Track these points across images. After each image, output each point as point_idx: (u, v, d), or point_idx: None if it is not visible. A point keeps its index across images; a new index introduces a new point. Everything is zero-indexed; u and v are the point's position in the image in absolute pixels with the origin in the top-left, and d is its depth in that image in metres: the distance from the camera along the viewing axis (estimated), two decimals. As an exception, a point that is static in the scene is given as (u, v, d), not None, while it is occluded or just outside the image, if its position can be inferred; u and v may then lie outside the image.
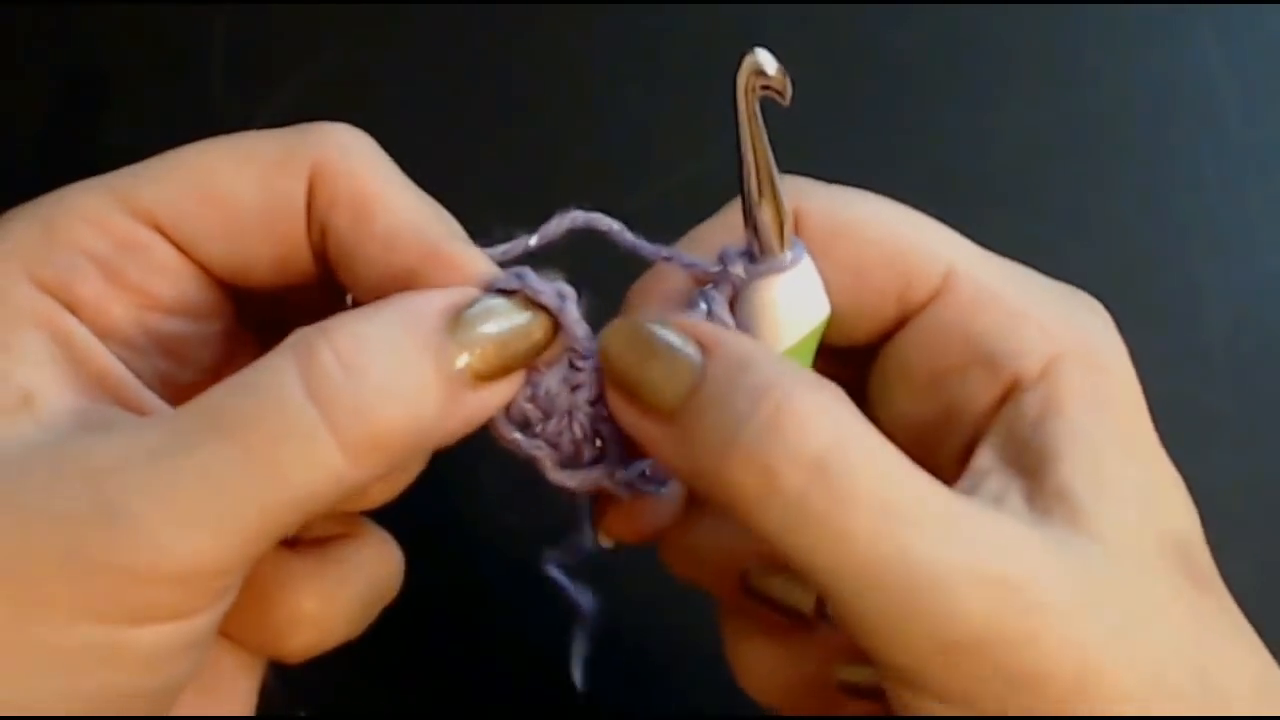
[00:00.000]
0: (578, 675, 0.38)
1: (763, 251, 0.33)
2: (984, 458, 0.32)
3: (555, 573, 0.38)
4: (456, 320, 0.31)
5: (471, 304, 0.32)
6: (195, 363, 0.35)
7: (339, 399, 0.29)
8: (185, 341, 0.35)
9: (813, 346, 0.35)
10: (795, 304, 0.34)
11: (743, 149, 0.32)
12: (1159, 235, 0.53)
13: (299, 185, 0.34)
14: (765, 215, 0.33)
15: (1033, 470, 0.31)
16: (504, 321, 0.32)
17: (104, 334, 0.33)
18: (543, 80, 0.56)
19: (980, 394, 0.34)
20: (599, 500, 0.36)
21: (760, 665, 0.36)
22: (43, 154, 0.54)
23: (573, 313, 0.33)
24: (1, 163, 0.54)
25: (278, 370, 0.29)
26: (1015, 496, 0.31)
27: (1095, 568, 0.30)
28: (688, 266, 0.35)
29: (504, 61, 0.56)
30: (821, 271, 0.34)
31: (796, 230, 0.34)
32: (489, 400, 0.32)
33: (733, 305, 0.34)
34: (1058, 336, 0.33)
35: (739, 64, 0.31)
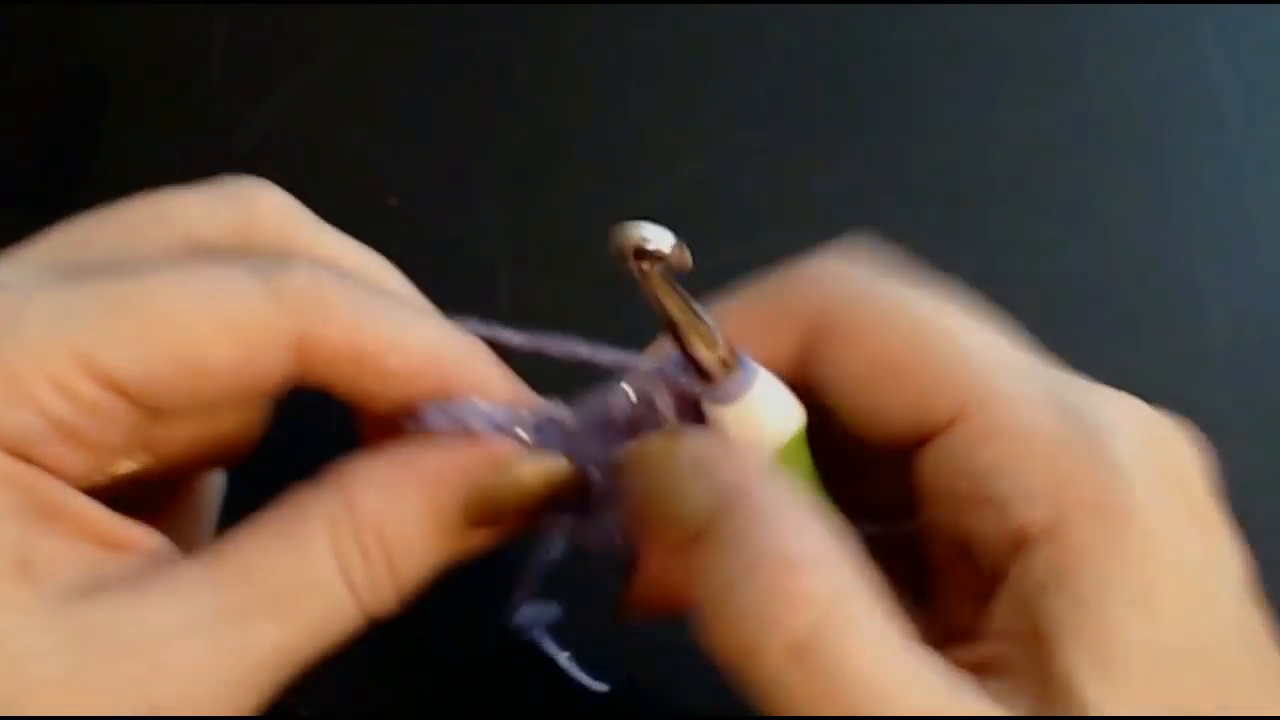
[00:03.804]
0: (590, 681, 0.38)
1: (710, 383, 0.32)
2: (996, 616, 0.31)
3: (530, 631, 0.38)
4: (478, 492, 0.33)
5: (496, 478, 0.34)
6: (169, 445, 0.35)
7: (369, 584, 0.32)
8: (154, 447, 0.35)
9: (800, 452, 0.33)
10: (757, 423, 0.33)
11: (659, 315, 0.31)
12: (1159, 235, 0.53)
13: (283, 354, 0.33)
14: (703, 358, 0.32)
15: (1037, 647, 0.29)
16: (508, 475, 0.34)
17: (70, 482, 0.32)
18: (543, 80, 0.56)
19: (993, 534, 0.31)
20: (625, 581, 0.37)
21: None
22: (43, 154, 0.54)
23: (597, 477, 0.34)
24: (2, 163, 0.54)
25: (315, 555, 0.32)
26: (1019, 675, 0.29)
27: None
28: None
29: (504, 61, 0.56)
30: (831, 370, 0.33)
31: (821, 327, 0.33)
32: (488, 538, 0.34)
33: (697, 410, 0.33)
34: (1068, 479, 0.31)
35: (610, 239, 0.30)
